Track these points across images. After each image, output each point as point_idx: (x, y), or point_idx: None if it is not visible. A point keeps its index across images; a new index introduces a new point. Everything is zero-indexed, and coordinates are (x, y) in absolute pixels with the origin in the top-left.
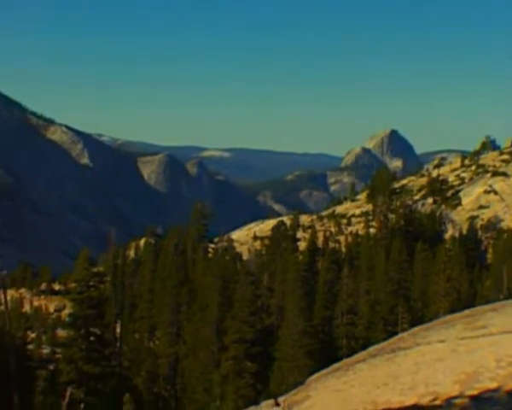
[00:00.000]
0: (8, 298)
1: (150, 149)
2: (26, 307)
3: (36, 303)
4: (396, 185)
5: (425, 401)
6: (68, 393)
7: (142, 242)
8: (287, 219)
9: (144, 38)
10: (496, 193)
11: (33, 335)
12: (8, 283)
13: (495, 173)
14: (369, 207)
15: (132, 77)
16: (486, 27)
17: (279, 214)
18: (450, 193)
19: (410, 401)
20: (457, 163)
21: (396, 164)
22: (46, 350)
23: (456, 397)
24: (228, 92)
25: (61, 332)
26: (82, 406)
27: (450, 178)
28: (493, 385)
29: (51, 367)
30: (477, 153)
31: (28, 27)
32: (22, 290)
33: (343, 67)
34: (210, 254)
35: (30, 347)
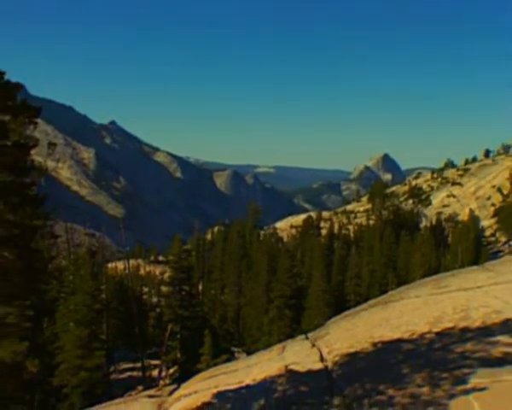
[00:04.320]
0: (130, 265)
1: (221, 167)
2: (141, 272)
3: (147, 269)
4: (387, 191)
5: (406, 335)
6: (169, 327)
7: (216, 229)
8: (313, 214)
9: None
10: (454, 197)
11: (146, 289)
12: (130, 255)
13: (454, 183)
14: (369, 206)
15: (210, 117)
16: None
17: (308, 211)
18: (424, 196)
19: (396, 336)
20: (429, 176)
21: (387, 177)
22: (154, 299)
23: (426, 333)
24: (270, 127)
25: (163, 288)
26: (178, 336)
27: (424, 187)
28: (450, 325)
29: (158, 310)
30: (441, 169)
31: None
32: (138, 260)
33: (353, 105)
34: (261, 238)
35: (144, 297)
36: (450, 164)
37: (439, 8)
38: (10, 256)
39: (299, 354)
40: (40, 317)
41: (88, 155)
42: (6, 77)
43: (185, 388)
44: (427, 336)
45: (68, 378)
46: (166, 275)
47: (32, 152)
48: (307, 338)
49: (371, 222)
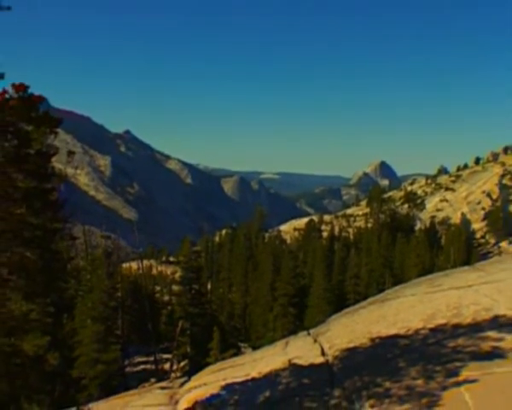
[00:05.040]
0: (143, 266)
1: (228, 173)
2: (154, 272)
3: (159, 269)
4: (385, 196)
5: (402, 331)
6: (180, 324)
7: (224, 232)
8: (315, 218)
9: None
10: (447, 201)
11: (158, 288)
12: (143, 256)
13: (446, 189)
14: (368, 210)
15: (218, 127)
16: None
17: (310, 215)
18: (418, 201)
19: (392, 332)
20: (423, 182)
21: (384, 183)
22: (166, 297)
23: (420, 329)
24: (274, 136)
25: (174, 287)
26: (188, 332)
27: (419, 192)
28: (443, 321)
29: (169, 308)
30: (435, 176)
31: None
32: (151, 261)
33: (352, 115)
34: (266, 240)
35: (156, 295)
36: (443, 170)
37: (428, 21)
38: (33, 257)
39: (302, 349)
40: (60, 313)
41: (104, 162)
42: (30, 90)
43: (195, 380)
44: (422, 331)
45: (86, 371)
46: (177, 275)
47: (53, 160)
48: (309, 334)
49: (369, 225)
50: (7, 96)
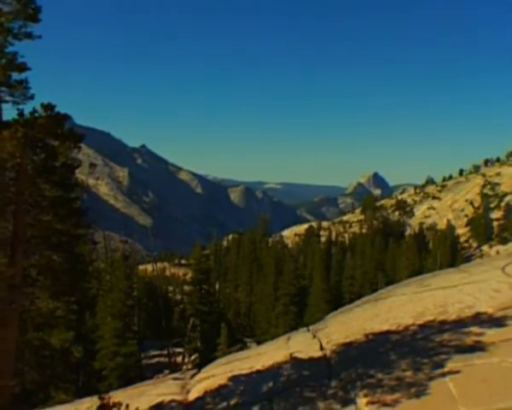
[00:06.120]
0: (157, 268)
1: (235, 183)
2: (167, 273)
3: (172, 271)
4: (377, 205)
5: (393, 327)
6: (191, 321)
7: (230, 237)
8: (314, 224)
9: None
10: (434, 209)
11: (171, 288)
12: (157, 259)
13: (433, 198)
14: (362, 217)
15: (225, 141)
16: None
17: (309, 221)
18: (408, 209)
19: (384, 328)
20: (412, 192)
21: (377, 192)
22: (178, 297)
23: (410, 325)
24: (276, 150)
25: (186, 287)
26: (198, 328)
27: (408, 200)
28: (431, 318)
29: (181, 306)
30: (423, 186)
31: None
32: (164, 263)
33: (348, 131)
34: (269, 244)
35: (169, 295)
36: (430, 181)
37: (415, 39)
38: (59, 259)
39: (302, 344)
40: (83, 311)
41: (122, 173)
42: (56, 109)
43: (205, 372)
44: (411, 328)
45: (107, 363)
46: (188, 276)
47: (77, 171)
48: (309, 330)
49: (364, 231)
50: (36, 114)
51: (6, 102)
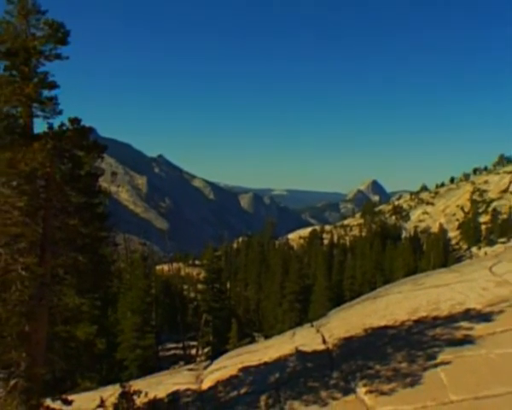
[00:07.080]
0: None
1: (244, 190)
2: (182, 273)
3: (186, 271)
4: (376, 210)
5: (390, 323)
6: (204, 316)
7: (240, 239)
8: (317, 228)
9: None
10: (428, 214)
11: (186, 286)
12: (173, 260)
13: (427, 203)
14: (362, 221)
15: (236, 151)
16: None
17: (313, 225)
18: (404, 214)
19: (382, 323)
20: (408, 198)
21: (376, 198)
22: (192, 294)
23: (406, 320)
24: (283, 159)
25: (199, 286)
26: (211, 323)
27: (404, 206)
28: (425, 314)
29: (195, 303)
30: (418, 192)
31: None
32: (179, 264)
33: (349, 141)
34: (276, 247)
35: (184, 293)
36: (424, 188)
37: (414, 48)
38: (83, 260)
39: (307, 338)
40: (106, 306)
41: (141, 181)
42: (82, 122)
43: (217, 364)
44: (407, 323)
45: (127, 354)
46: (201, 275)
47: (100, 179)
48: (312, 326)
49: (363, 234)
50: (64, 128)
51: (37, 116)
